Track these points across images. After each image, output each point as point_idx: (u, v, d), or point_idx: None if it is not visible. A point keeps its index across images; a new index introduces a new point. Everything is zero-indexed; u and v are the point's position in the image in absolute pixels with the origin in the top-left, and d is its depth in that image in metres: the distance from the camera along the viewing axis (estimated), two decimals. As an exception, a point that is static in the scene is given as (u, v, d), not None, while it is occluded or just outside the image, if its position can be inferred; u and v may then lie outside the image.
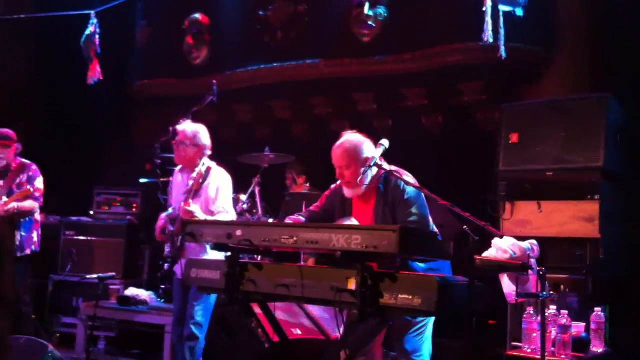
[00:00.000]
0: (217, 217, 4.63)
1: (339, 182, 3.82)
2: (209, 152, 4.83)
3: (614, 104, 4.57)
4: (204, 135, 4.82)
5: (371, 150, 3.72)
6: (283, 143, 7.03)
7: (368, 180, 3.64)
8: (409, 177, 3.62)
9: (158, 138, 6.19)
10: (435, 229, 3.66)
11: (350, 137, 3.78)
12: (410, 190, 3.56)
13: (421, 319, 3.53)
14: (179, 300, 4.74)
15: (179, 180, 4.92)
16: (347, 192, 3.74)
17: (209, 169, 4.77)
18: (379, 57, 6.27)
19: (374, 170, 3.66)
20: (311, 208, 3.95)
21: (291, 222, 3.76)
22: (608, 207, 4.37)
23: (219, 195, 4.71)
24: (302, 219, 3.83)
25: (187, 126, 4.87)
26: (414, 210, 3.55)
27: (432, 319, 3.60)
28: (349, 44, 6.41)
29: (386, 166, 3.62)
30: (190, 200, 4.57)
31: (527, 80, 5.93)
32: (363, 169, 3.59)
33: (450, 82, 6.28)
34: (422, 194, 3.56)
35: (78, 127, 8.04)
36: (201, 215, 4.55)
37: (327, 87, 6.92)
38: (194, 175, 4.66)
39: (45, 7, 7.68)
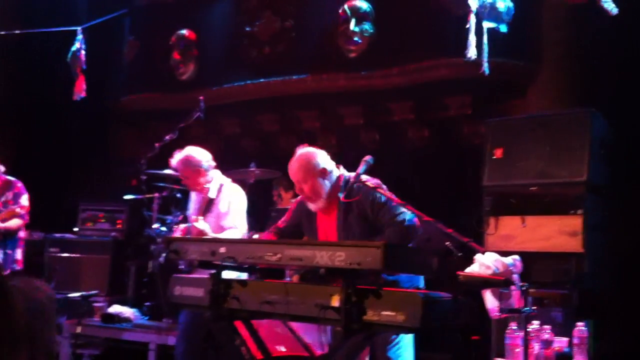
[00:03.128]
0: (227, 233, 4.63)
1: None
2: (212, 164, 4.83)
3: (598, 118, 4.60)
4: (195, 155, 4.81)
5: (326, 161, 3.76)
6: (271, 157, 7.03)
7: (326, 191, 3.67)
8: (380, 188, 3.63)
9: (145, 153, 6.16)
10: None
11: (303, 151, 3.83)
12: (374, 193, 3.57)
13: None
14: (187, 316, 4.70)
15: (194, 197, 4.97)
16: (311, 206, 3.77)
17: (221, 186, 4.80)
18: (366, 72, 6.29)
19: (332, 180, 3.71)
20: (278, 224, 3.97)
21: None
22: (592, 220, 4.38)
23: (230, 211, 4.73)
24: (272, 235, 3.86)
25: (176, 159, 4.84)
26: (395, 210, 3.56)
27: None
28: (335, 59, 6.42)
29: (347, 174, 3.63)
30: (201, 218, 4.59)
31: (513, 95, 5.96)
32: (320, 179, 3.63)
33: (437, 96, 6.31)
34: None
35: (63, 143, 8.01)
36: (210, 233, 4.54)
37: (314, 102, 6.93)
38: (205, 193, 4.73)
39: (30, 23, 7.68)
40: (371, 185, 3.53)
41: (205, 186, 4.74)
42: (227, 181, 4.87)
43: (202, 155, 4.82)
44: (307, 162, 3.75)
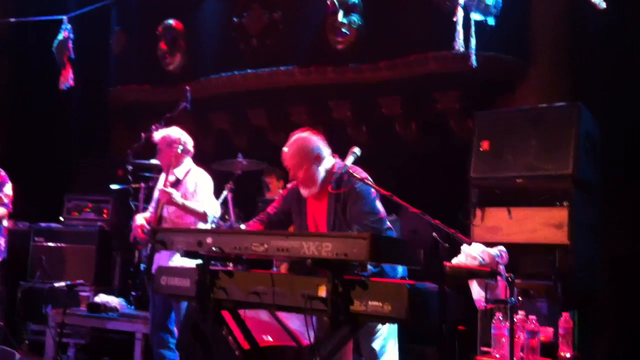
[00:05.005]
0: (196, 206, 4.69)
1: (294, 182, 3.85)
2: (189, 146, 4.93)
3: (584, 113, 4.62)
4: (175, 133, 4.93)
5: (321, 147, 3.76)
6: (259, 150, 7.02)
7: (321, 177, 3.67)
8: (368, 180, 3.63)
9: (131, 144, 6.14)
10: (389, 224, 3.72)
11: (299, 136, 3.82)
12: (360, 184, 3.58)
13: None
14: (158, 304, 4.70)
15: (160, 185, 4.98)
16: (304, 192, 3.77)
17: (189, 170, 4.92)
18: (354, 64, 6.29)
19: (327, 167, 3.70)
20: (268, 210, 3.97)
21: (248, 228, 3.80)
22: (578, 214, 4.41)
23: (197, 189, 4.83)
24: (259, 223, 3.85)
25: (157, 133, 4.99)
26: (365, 202, 3.58)
27: None
28: (324, 51, 6.42)
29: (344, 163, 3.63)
30: (168, 183, 4.68)
31: (502, 89, 5.97)
32: (314, 166, 3.62)
33: (425, 90, 6.30)
34: (372, 190, 3.57)
35: (49, 132, 7.96)
36: (178, 199, 4.60)
37: (302, 95, 6.91)
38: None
39: (18, 12, 7.62)
40: (358, 177, 3.53)
41: (174, 168, 4.82)
42: (194, 166, 4.98)
43: (183, 136, 4.93)
44: (303, 148, 3.74)
